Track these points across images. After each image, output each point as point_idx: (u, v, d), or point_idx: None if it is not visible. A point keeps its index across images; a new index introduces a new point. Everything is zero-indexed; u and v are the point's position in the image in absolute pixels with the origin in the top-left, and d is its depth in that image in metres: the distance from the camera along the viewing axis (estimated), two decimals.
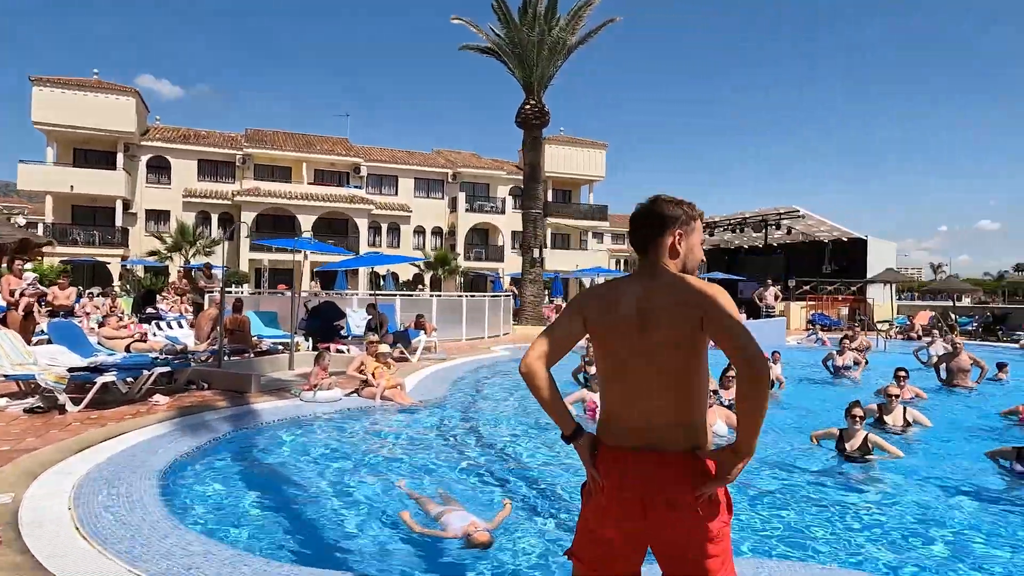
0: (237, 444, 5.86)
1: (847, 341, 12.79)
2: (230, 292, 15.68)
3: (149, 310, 15.69)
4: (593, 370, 9.38)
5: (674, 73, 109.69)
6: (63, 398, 6.58)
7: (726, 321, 1.75)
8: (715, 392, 7.15)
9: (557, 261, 37.55)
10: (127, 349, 9.16)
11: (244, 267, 33.03)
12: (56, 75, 31.43)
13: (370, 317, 11.98)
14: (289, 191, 35.39)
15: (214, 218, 35.10)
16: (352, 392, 8.14)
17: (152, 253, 31.46)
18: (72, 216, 32.92)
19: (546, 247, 23.51)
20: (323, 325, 11.77)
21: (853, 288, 27.28)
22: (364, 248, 34.68)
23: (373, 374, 8.10)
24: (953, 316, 23.46)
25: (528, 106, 20.63)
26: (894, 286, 26.79)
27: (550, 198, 40.98)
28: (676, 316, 1.80)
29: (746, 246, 32.46)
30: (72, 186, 31.51)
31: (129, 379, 7.26)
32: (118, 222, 32.61)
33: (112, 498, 4.08)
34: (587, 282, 41.13)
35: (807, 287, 27.26)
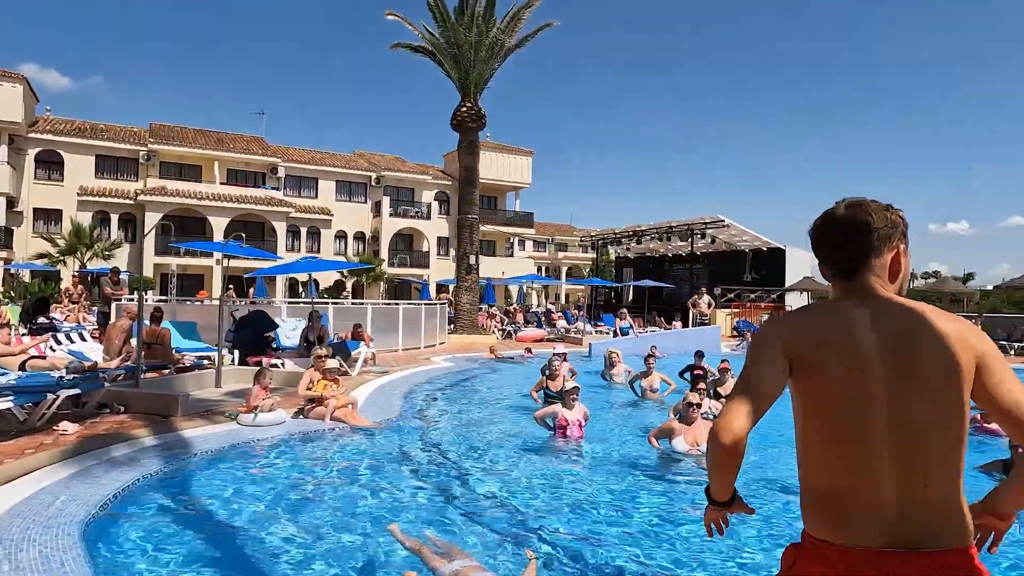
0: (173, 480, 4.96)
1: None
2: (148, 300, 14.16)
3: (42, 320, 13.89)
4: (556, 386, 8.70)
5: (600, 83, 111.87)
6: None
7: (1008, 372, 1.34)
8: (695, 405, 6.66)
9: (483, 268, 36.92)
10: (22, 367, 7.83)
11: (149, 272, 30.54)
12: None
13: (308, 326, 10.99)
14: (199, 191, 33.06)
15: (114, 219, 32.26)
16: (297, 413, 7.28)
17: (41, 256, 28.50)
18: None
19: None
20: (253, 337, 10.68)
21: (774, 295, 28.39)
22: (283, 252, 32.87)
23: (322, 392, 7.27)
24: None
25: (464, 108, 20.04)
26: (809, 294, 28.10)
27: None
28: (949, 356, 1.33)
29: (671, 254, 33.16)
30: None
31: (28, 404, 6.12)
32: (0, 221, 29.37)
33: (21, 569, 3.18)
34: (515, 291, 40.78)
35: (731, 295, 28.10)
